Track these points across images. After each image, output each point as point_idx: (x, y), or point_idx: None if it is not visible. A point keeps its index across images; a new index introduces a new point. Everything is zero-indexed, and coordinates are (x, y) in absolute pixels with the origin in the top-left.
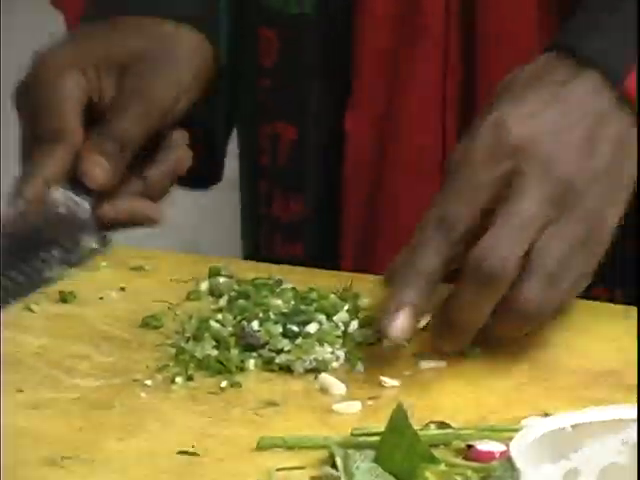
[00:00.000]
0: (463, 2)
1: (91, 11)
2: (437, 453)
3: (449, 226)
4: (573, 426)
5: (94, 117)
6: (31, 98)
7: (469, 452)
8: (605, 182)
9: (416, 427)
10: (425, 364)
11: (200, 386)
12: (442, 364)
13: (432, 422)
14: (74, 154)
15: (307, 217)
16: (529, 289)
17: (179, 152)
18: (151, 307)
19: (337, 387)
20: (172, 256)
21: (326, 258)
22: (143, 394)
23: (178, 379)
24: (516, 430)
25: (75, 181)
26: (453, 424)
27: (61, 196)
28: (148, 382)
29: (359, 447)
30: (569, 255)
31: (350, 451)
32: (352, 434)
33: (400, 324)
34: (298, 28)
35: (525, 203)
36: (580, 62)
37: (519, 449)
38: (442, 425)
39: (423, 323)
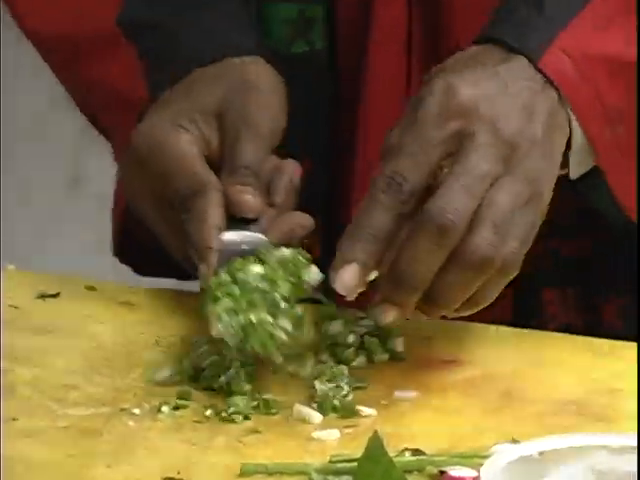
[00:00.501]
0: None
1: (156, 74)
2: (411, 479)
3: (400, 183)
4: (540, 453)
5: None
6: (152, 170)
7: (442, 478)
8: (542, 148)
9: (391, 454)
10: (400, 394)
11: (186, 415)
12: (416, 394)
13: (407, 449)
14: (222, 198)
15: (320, 242)
16: (479, 237)
17: (290, 166)
18: (138, 340)
19: (313, 417)
20: (159, 292)
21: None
22: (131, 422)
23: (164, 408)
24: (486, 456)
25: (230, 220)
26: (427, 451)
27: (236, 236)
28: (136, 411)
29: (337, 473)
30: (514, 210)
31: (329, 477)
32: (330, 461)
33: (345, 280)
34: (307, 65)
35: (475, 161)
36: (506, 50)
37: (489, 475)
38: (416, 452)
39: (372, 277)
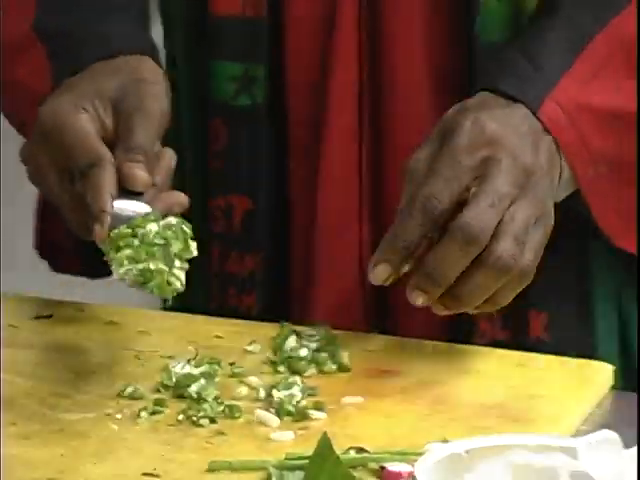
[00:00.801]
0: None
1: (58, 66)
2: (356, 473)
3: (435, 206)
4: (467, 451)
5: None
6: (55, 144)
7: (382, 472)
8: (548, 178)
9: (338, 452)
10: (346, 400)
11: (161, 419)
12: (360, 400)
13: (352, 448)
14: (115, 171)
15: (262, 269)
16: (502, 245)
17: (168, 153)
18: (121, 355)
19: (271, 420)
20: (140, 312)
21: (279, 305)
22: (114, 426)
23: (143, 413)
24: (420, 454)
25: (119, 192)
26: (369, 449)
27: (126, 204)
28: (118, 416)
29: (292, 469)
30: (529, 226)
31: (284, 472)
32: (286, 458)
33: (378, 275)
34: (249, 116)
35: (500, 184)
36: (506, 98)
37: (423, 470)
38: (360, 450)
39: (404, 270)
